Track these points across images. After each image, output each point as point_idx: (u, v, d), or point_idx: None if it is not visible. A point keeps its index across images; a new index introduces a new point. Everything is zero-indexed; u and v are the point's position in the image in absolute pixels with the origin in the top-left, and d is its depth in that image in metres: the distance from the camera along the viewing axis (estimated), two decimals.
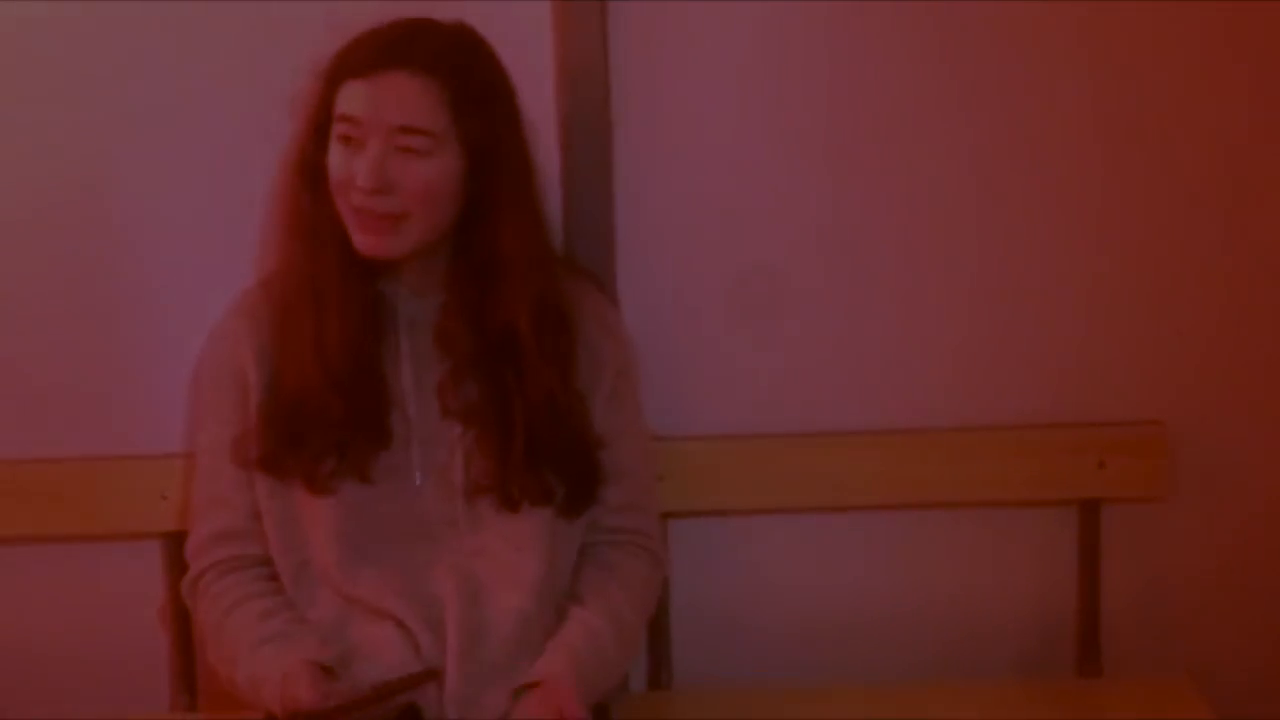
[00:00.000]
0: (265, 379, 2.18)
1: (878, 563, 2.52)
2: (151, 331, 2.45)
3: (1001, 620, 2.52)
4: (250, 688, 2.12)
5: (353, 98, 2.09)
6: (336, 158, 2.11)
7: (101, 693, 2.51)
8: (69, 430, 2.47)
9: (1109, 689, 2.48)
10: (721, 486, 2.47)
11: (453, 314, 2.17)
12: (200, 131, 2.40)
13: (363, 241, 2.11)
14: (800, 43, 2.40)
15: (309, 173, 2.15)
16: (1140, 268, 2.46)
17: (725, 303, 2.45)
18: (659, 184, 2.43)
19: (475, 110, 2.09)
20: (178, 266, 2.43)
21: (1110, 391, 2.47)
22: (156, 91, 2.39)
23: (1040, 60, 2.40)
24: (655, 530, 2.29)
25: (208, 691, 2.47)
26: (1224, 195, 2.44)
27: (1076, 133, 2.43)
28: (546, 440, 2.15)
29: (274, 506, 2.18)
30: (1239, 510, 2.51)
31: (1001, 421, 2.47)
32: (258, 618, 2.16)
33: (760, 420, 2.48)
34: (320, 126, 2.14)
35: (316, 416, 2.14)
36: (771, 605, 2.53)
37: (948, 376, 2.48)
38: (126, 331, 2.45)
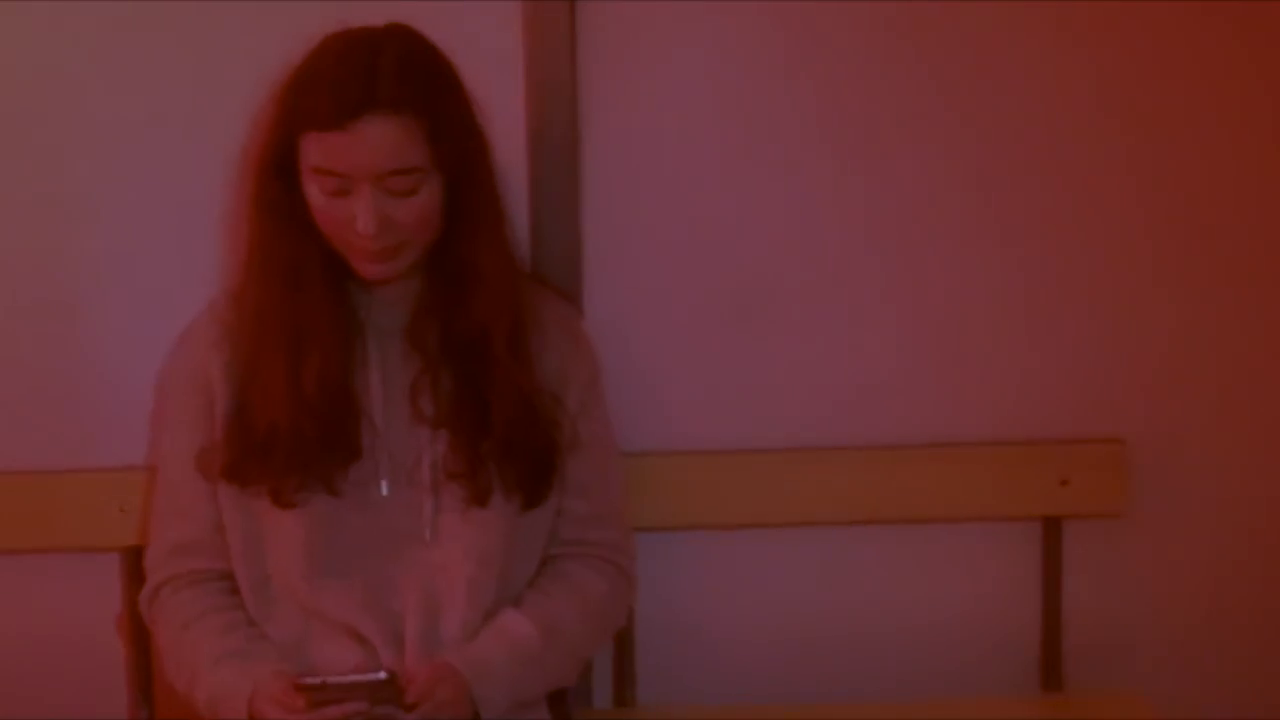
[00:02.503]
0: (232, 394, 2.17)
1: (841, 578, 2.52)
2: (110, 344, 2.43)
3: (964, 636, 2.53)
4: (210, 706, 2.11)
5: (332, 152, 2.04)
6: (323, 205, 2.08)
7: (59, 706, 2.48)
8: (26, 443, 2.44)
9: (1070, 704, 2.49)
10: (687, 502, 2.46)
11: (424, 317, 2.16)
12: (160, 146, 2.38)
13: (368, 270, 2.11)
14: (774, 46, 2.40)
15: (281, 213, 2.12)
16: (1102, 285, 2.47)
17: (693, 318, 2.45)
18: (628, 192, 2.42)
19: (448, 133, 2.08)
20: (136, 280, 2.42)
21: (1073, 409, 2.49)
22: (114, 105, 2.38)
23: (1014, 75, 2.42)
24: (624, 544, 2.28)
25: (165, 705, 2.44)
26: (1186, 214, 2.46)
27: (1038, 155, 2.44)
28: (519, 432, 2.14)
29: (237, 520, 2.17)
30: (1200, 528, 2.52)
31: (965, 438, 2.48)
32: (217, 633, 2.15)
33: (726, 436, 2.47)
34: (284, 170, 2.09)
35: (288, 440, 2.12)
36: (736, 622, 2.52)
37: (912, 394, 2.49)
38: (85, 344, 2.43)
